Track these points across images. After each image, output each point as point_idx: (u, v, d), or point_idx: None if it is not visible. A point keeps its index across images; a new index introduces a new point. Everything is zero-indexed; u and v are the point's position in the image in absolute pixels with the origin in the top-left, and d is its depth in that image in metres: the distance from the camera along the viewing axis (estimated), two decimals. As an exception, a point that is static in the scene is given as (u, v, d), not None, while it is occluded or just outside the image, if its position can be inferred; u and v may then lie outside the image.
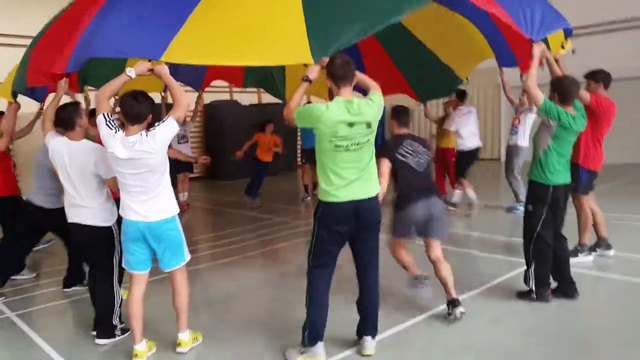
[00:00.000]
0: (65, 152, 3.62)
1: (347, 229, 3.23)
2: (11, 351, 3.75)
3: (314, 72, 3.30)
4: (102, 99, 3.35)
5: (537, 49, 4.01)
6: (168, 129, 3.26)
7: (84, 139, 3.75)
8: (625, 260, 5.19)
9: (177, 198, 4.03)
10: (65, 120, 3.67)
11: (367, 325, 3.43)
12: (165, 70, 3.36)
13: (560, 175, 4.07)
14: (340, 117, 3.08)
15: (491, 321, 3.87)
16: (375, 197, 3.29)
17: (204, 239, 7.29)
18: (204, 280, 5.30)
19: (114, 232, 3.74)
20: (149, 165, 3.22)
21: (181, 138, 8.95)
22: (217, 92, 14.08)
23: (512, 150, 7.77)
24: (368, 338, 3.41)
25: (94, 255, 3.83)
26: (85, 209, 3.68)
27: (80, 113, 3.73)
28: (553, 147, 4.00)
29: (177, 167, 9.17)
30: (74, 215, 3.74)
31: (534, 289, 4.16)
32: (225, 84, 13.97)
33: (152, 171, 3.26)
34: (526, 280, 4.23)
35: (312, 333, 3.31)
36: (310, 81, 3.33)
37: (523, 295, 4.26)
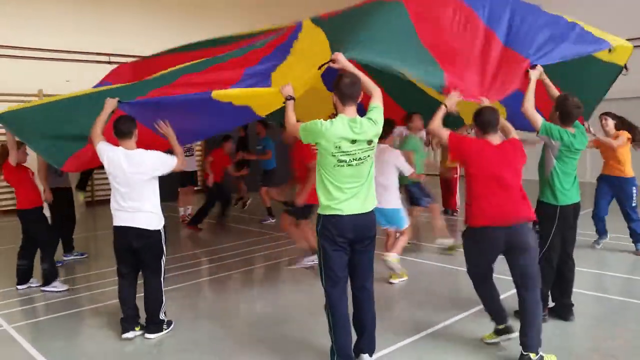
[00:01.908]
0: (123, 161, 3.89)
1: (347, 242, 3.28)
2: (8, 364, 3.75)
3: (288, 89, 3.55)
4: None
5: (534, 73, 4.09)
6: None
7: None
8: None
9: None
10: (124, 131, 3.95)
11: (364, 342, 3.44)
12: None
13: (569, 195, 4.04)
14: (343, 134, 3.16)
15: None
16: (373, 212, 3.35)
17: (203, 253, 7.29)
18: (206, 294, 5.31)
19: (163, 235, 4.05)
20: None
21: (187, 151, 8.97)
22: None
23: None
24: (365, 356, 3.42)
25: (147, 258, 4.06)
26: (141, 213, 3.96)
27: (136, 125, 4.02)
28: (559, 167, 3.99)
29: (181, 180, 9.19)
30: (128, 220, 3.97)
31: None
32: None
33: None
34: None
35: (342, 357, 3.27)
36: (293, 99, 3.51)
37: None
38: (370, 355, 3.44)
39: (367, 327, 3.43)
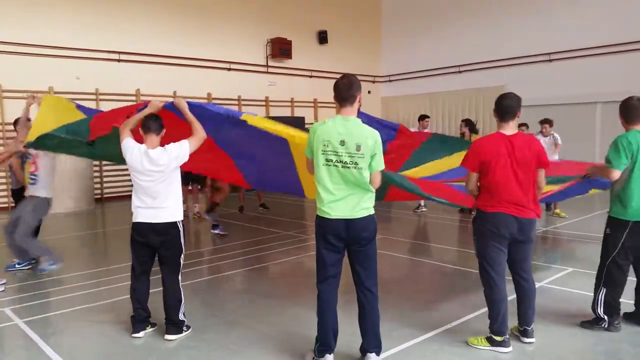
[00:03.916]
0: (145, 158, 3.92)
1: (340, 243, 3.36)
2: (20, 359, 3.79)
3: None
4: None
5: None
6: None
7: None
8: None
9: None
10: (151, 127, 3.99)
11: (369, 342, 3.46)
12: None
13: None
14: (333, 130, 3.26)
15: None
16: (366, 217, 3.35)
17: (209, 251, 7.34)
18: (210, 291, 5.35)
19: (182, 233, 4.09)
20: None
21: None
22: (226, 104, 14.26)
23: None
24: (372, 355, 3.43)
25: (166, 255, 4.08)
26: (162, 210, 3.97)
27: (163, 124, 4.07)
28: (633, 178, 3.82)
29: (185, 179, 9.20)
30: (149, 217, 3.98)
31: (604, 316, 4.01)
32: (234, 96, 14.33)
33: None
34: (594, 306, 4.06)
35: (322, 346, 3.44)
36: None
37: (589, 324, 4.09)
38: (377, 355, 3.45)
39: (369, 327, 3.45)
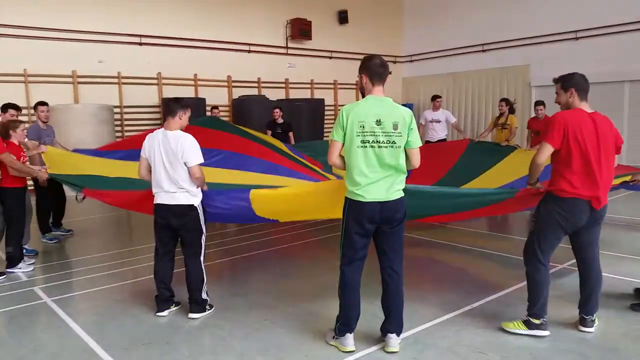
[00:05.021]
0: (161, 141, 3.98)
1: (372, 226, 3.32)
2: (50, 335, 3.91)
3: None
4: None
5: None
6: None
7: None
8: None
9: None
10: (170, 109, 4.07)
11: (392, 323, 3.47)
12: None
13: None
14: (369, 111, 3.20)
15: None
16: (399, 199, 3.33)
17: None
18: (232, 272, 5.42)
19: (202, 214, 4.12)
20: None
21: None
22: (246, 87, 14.26)
23: None
24: (393, 335, 3.45)
25: (187, 237, 4.13)
26: (179, 192, 4.00)
27: (183, 108, 4.10)
28: None
29: None
30: (167, 199, 4.03)
31: None
32: (254, 79, 14.33)
33: None
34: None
35: (343, 326, 3.47)
36: None
37: (638, 306, 4.03)
38: (398, 335, 3.47)
39: (394, 308, 3.46)
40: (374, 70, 3.28)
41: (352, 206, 3.33)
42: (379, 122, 3.19)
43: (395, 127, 3.21)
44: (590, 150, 3.38)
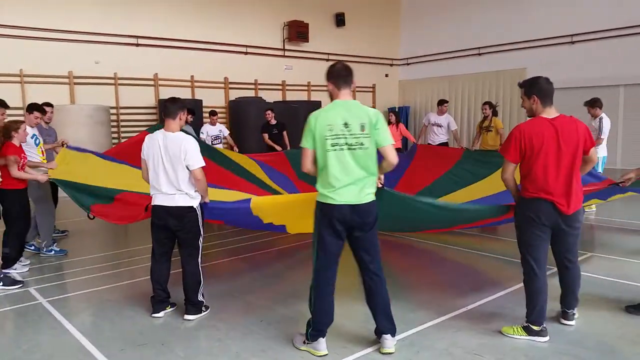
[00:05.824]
0: (161, 143, 3.98)
1: (343, 227, 3.33)
2: (45, 336, 3.89)
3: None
4: None
5: None
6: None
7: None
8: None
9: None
10: (168, 110, 4.05)
11: (382, 324, 3.47)
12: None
13: None
14: (336, 114, 3.25)
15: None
16: (371, 203, 3.34)
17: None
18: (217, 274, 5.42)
19: (200, 216, 4.10)
20: None
21: (215, 139, 9.03)
22: (243, 89, 14.27)
23: None
24: (388, 336, 3.45)
25: (185, 238, 4.11)
26: (177, 194, 3.99)
27: (182, 108, 4.12)
28: None
29: None
30: (165, 200, 4.02)
31: None
32: (251, 80, 14.33)
33: None
34: None
35: (315, 332, 3.45)
36: None
37: (634, 308, 4.02)
38: (393, 336, 3.47)
39: (381, 310, 3.47)
40: (337, 75, 3.35)
41: (324, 210, 3.34)
42: (346, 125, 3.23)
43: (362, 128, 3.25)
44: (550, 157, 3.44)
